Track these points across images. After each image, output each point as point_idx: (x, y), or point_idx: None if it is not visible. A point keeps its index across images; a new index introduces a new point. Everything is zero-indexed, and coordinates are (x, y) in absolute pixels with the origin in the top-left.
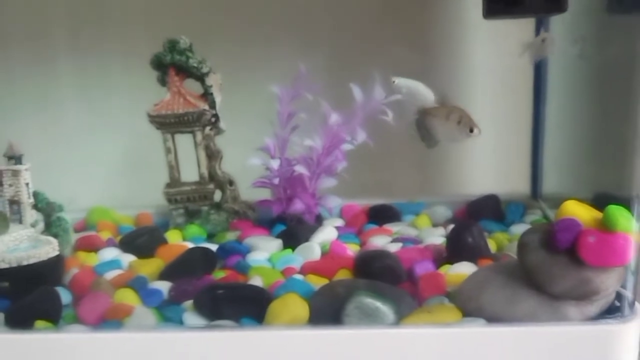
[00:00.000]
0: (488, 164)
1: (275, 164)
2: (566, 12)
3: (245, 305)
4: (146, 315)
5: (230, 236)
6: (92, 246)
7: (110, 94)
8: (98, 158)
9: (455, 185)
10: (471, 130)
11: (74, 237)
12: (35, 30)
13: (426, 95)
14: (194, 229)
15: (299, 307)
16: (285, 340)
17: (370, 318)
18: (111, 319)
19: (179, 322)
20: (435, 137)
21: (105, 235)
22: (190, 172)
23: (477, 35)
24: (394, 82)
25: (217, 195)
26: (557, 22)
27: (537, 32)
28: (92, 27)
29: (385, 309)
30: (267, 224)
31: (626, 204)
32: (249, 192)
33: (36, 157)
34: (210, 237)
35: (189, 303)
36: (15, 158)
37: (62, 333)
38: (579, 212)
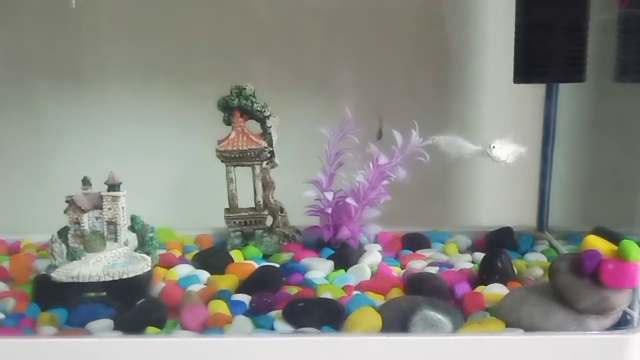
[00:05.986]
0: (497, 198)
1: (329, 195)
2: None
3: (325, 315)
4: (245, 323)
5: (286, 257)
6: (169, 263)
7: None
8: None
9: (469, 217)
10: None
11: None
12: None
13: (463, 145)
14: (252, 250)
15: (374, 318)
16: (365, 345)
17: (433, 327)
18: (213, 326)
19: (271, 329)
20: None
21: (176, 253)
22: (243, 200)
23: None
24: (434, 139)
25: (269, 221)
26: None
27: (547, 94)
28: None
29: (445, 320)
30: (314, 247)
31: (619, 237)
32: (296, 219)
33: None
34: (266, 257)
35: (277, 312)
36: (114, 185)
37: (173, 337)
38: (599, 244)
